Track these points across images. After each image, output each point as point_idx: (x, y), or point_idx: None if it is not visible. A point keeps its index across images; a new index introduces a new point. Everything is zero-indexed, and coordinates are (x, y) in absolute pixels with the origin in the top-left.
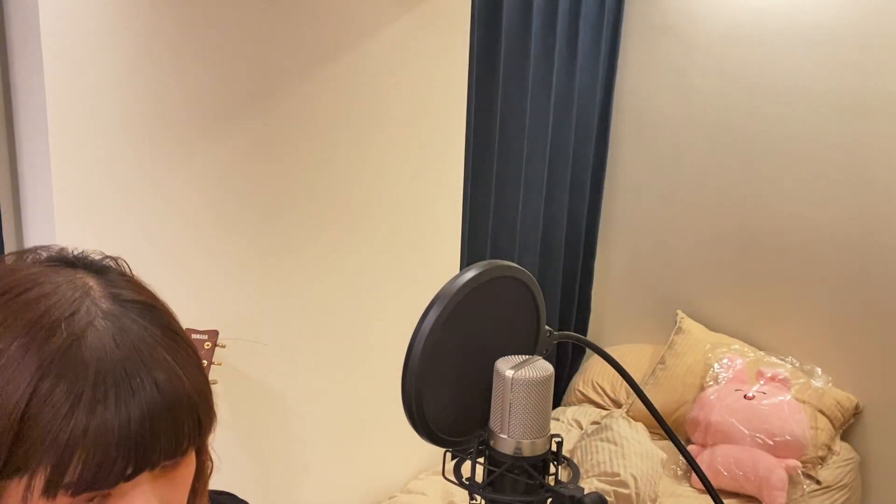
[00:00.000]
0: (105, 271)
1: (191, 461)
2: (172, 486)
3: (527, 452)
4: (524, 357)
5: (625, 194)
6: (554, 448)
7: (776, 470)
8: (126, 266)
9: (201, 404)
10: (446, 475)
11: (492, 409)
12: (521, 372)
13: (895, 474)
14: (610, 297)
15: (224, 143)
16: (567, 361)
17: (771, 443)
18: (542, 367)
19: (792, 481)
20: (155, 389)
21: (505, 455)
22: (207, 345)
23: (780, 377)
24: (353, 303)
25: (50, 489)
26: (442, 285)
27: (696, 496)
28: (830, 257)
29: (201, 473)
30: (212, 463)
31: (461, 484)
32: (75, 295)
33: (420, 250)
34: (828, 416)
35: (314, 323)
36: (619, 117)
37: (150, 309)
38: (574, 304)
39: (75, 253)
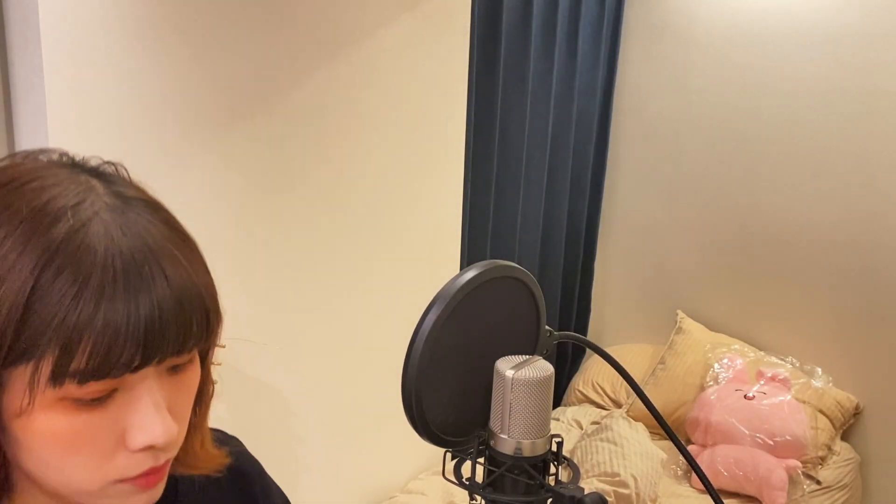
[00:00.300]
0: (105, 173)
1: (196, 369)
2: (177, 389)
3: (527, 452)
4: (524, 357)
5: (625, 194)
6: (554, 448)
7: (776, 470)
8: (125, 171)
9: (210, 302)
10: (446, 475)
11: (492, 409)
12: (522, 372)
13: (895, 474)
14: (610, 297)
15: (223, 144)
16: (567, 361)
17: (771, 443)
18: (542, 367)
19: (792, 481)
20: (164, 280)
21: (505, 455)
22: None
23: (780, 377)
24: (352, 303)
25: (57, 376)
26: (442, 285)
27: (697, 496)
28: (831, 257)
29: (203, 395)
30: (213, 387)
31: (461, 484)
32: (79, 188)
33: (420, 250)
34: (828, 417)
35: (314, 323)
36: (619, 117)
37: (154, 206)
38: (574, 304)
39: (75, 158)
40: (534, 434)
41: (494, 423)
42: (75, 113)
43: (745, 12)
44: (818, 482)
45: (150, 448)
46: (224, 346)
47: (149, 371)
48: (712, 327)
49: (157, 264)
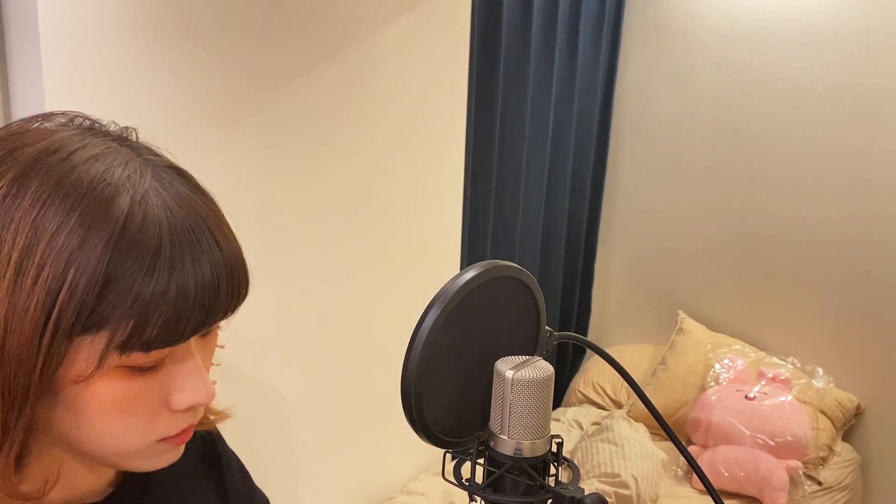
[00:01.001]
0: (132, 141)
1: (217, 331)
2: (207, 351)
3: (527, 453)
4: (524, 357)
5: (625, 194)
6: (554, 449)
7: (777, 470)
8: (136, 132)
9: (247, 265)
10: (446, 476)
11: (492, 409)
12: (522, 372)
13: (895, 475)
14: (610, 297)
15: (223, 144)
16: (567, 362)
17: (772, 443)
18: (542, 368)
19: (793, 482)
20: (216, 247)
21: (505, 456)
22: None
23: (781, 377)
24: (352, 303)
25: (129, 345)
26: (442, 285)
27: (697, 497)
28: (832, 257)
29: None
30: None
31: (461, 485)
32: (123, 158)
33: (420, 250)
34: (829, 417)
35: (313, 323)
36: (619, 117)
37: (183, 173)
38: (574, 304)
39: (93, 123)
40: (534, 435)
41: (494, 424)
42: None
43: (745, 11)
44: (819, 483)
45: (192, 408)
46: (224, 347)
47: (194, 337)
48: (713, 327)
49: (210, 232)
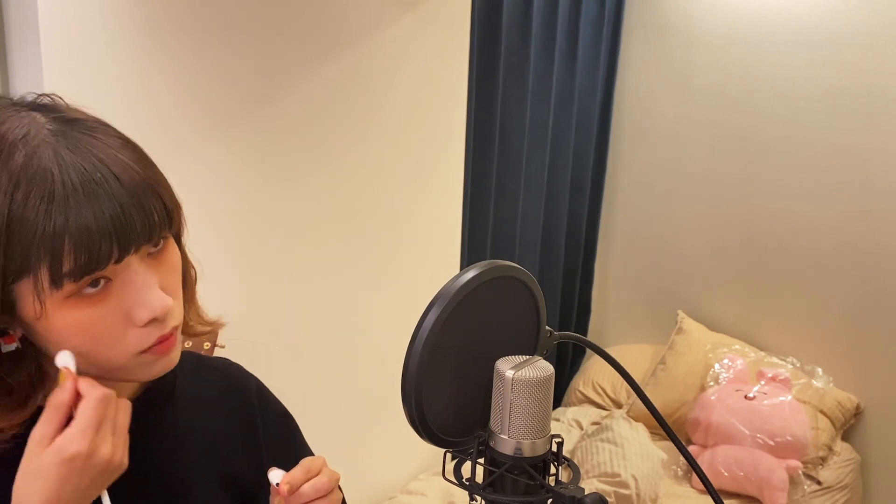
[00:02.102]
0: (43, 105)
1: (173, 249)
2: (164, 269)
3: (527, 453)
4: (524, 357)
5: (625, 194)
6: (554, 448)
7: (777, 470)
8: (62, 100)
9: (164, 192)
10: (446, 476)
11: (492, 409)
12: (522, 372)
13: (895, 475)
14: (610, 297)
15: (223, 144)
16: (567, 362)
17: (772, 443)
18: (542, 368)
19: (793, 482)
20: (117, 182)
21: (505, 455)
22: (207, 345)
23: (780, 377)
24: (352, 303)
25: (55, 280)
26: (442, 285)
27: (697, 497)
28: (831, 257)
29: (187, 276)
30: (194, 270)
31: (461, 484)
32: (22, 122)
33: (420, 250)
34: (829, 417)
35: (313, 323)
36: (619, 117)
37: (94, 122)
38: (574, 304)
39: (13, 97)
40: (534, 434)
41: (494, 424)
42: None
43: (745, 11)
44: (819, 482)
45: (153, 321)
46: (224, 347)
47: (131, 259)
48: (713, 327)
49: (108, 170)
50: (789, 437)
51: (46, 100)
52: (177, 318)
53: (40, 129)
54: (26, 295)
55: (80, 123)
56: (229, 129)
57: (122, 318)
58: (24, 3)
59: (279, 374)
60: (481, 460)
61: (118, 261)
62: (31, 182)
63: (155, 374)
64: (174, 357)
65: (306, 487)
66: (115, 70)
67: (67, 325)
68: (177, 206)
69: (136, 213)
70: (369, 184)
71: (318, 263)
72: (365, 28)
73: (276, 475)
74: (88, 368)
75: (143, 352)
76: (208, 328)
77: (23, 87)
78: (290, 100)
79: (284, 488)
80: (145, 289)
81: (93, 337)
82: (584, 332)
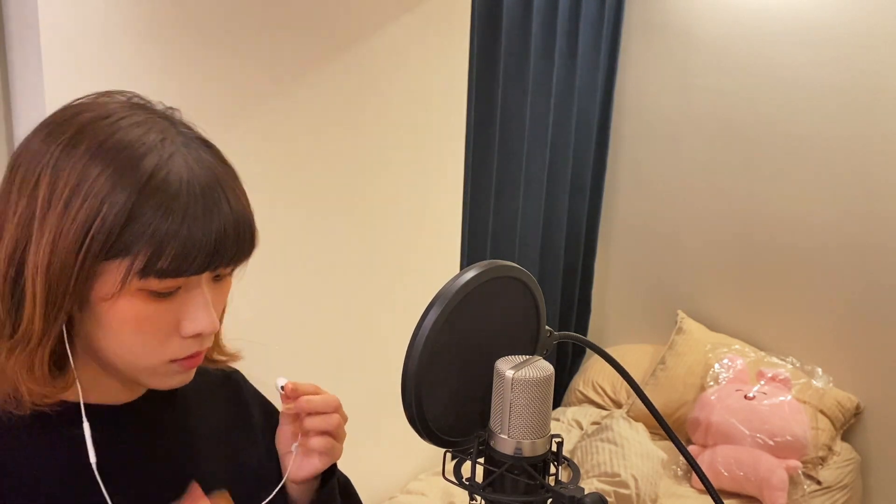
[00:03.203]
0: (172, 116)
1: (230, 281)
2: (218, 294)
3: (527, 453)
4: (524, 357)
5: (625, 194)
6: (554, 448)
7: (777, 470)
8: (179, 114)
9: (254, 227)
10: (446, 475)
11: (492, 409)
12: (522, 372)
13: (895, 475)
14: (610, 297)
15: (221, 144)
16: (567, 362)
17: (771, 443)
18: (542, 367)
19: (793, 482)
20: (228, 206)
21: (505, 455)
22: None
23: (780, 377)
24: (352, 302)
25: (145, 271)
26: (442, 285)
27: (697, 497)
28: (831, 257)
29: (224, 306)
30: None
31: (461, 484)
32: (160, 127)
33: (420, 250)
34: (828, 417)
35: (314, 323)
36: (619, 117)
37: (209, 144)
38: (574, 304)
39: (144, 101)
40: (534, 434)
41: (494, 424)
42: None
43: (745, 11)
44: (818, 482)
45: (198, 335)
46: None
47: (205, 276)
48: (713, 327)
49: (223, 192)
50: (789, 437)
51: (177, 113)
52: (211, 342)
53: (175, 137)
54: (110, 273)
55: (201, 142)
56: (228, 129)
57: (172, 324)
58: (24, 3)
59: (279, 375)
60: (481, 460)
61: (198, 273)
62: (161, 182)
63: (170, 385)
64: (192, 375)
65: (314, 398)
66: (115, 70)
67: (128, 313)
68: (255, 244)
69: (233, 237)
70: (369, 184)
71: (317, 263)
72: (365, 28)
73: (282, 380)
74: (115, 362)
75: (174, 361)
76: (224, 359)
77: (23, 87)
78: (290, 100)
79: (289, 386)
80: (204, 306)
81: (143, 332)
82: (584, 332)
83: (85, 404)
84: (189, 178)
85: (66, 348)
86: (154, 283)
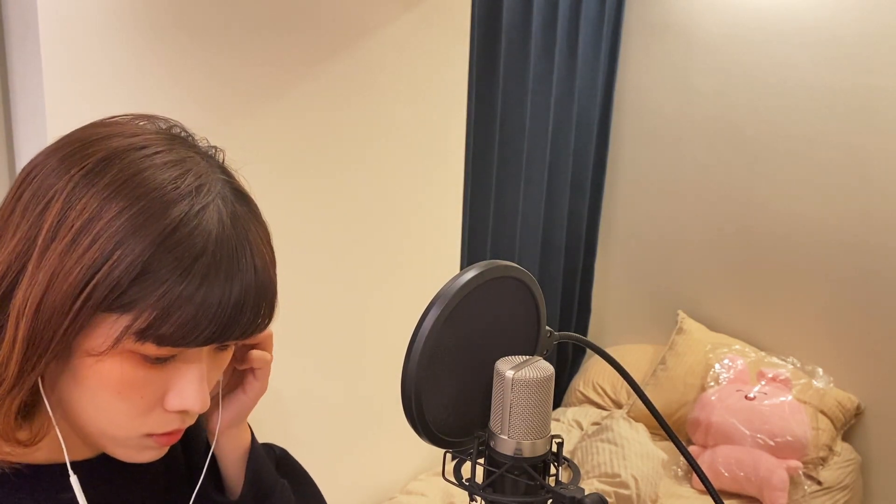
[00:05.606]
0: (215, 159)
1: (231, 350)
2: (216, 364)
3: (527, 453)
4: (524, 357)
5: (625, 194)
6: (554, 449)
7: (777, 471)
8: (223, 155)
9: (275, 299)
10: (446, 476)
11: (492, 409)
12: (522, 372)
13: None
14: (610, 297)
15: (221, 144)
16: (567, 362)
17: (772, 443)
18: (542, 368)
19: (793, 482)
20: (253, 272)
21: (505, 456)
22: None
23: (781, 378)
24: (352, 303)
25: (146, 334)
26: (442, 285)
27: (697, 497)
28: (832, 257)
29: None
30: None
31: (461, 485)
32: (200, 170)
33: (420, 250)
34: (829, 417)
35: (313, 323)
36: (619, 117)
37: (248, 198)
38: (574, 304)
39: (188, 134)
40: (534, 435)
41: (494, 424)
42: (75, 114)
43: (745, 11)
44: (819, 483)
45: (183, 412)
46: None
47: (208, 347)
48: (713, 327)
49: (251, 256)
50: (789, 438)
51: (220, 154)
52: (193, 420)
53: (213, 185)
54: (104, 326)
55: (239, 194)
56: (227, 129)
57: (158, 395)
58: (24, 3)
59: (279, 375)
60: (481, 461)
61: (203, 346)
62: (185, 237)
63: (137, 460)
64: (164, 452)
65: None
66: (115, 70)
67: (112, 375)
68: (274, 313)
69: (250, 310)
70: (369, 184)
71: (316, 263)
72: (365, 28)
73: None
74: (85, 424)
75: (150, 435)
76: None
77: (23, 87)
78: (290, 100)
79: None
80: (196, 382)
81: (124, 398)
82: (584, 332)
83: (59, 463)
84: (218, 237)
85: (39, 399)
86: (151, 349)
